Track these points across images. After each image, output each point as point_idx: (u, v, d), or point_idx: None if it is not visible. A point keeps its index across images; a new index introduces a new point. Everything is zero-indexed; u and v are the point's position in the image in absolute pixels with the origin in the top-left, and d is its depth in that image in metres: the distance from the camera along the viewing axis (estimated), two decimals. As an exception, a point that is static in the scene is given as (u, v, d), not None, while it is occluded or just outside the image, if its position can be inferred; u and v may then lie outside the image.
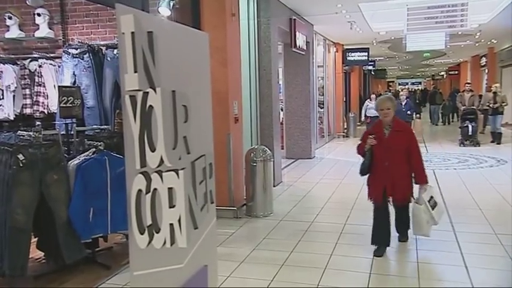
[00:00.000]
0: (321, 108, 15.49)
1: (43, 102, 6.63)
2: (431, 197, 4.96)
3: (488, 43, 20.59)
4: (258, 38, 8.21)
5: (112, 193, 4.56)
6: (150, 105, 1.78)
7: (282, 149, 11.01)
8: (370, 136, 4.75)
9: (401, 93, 13.86)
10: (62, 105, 4.67)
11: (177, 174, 1.92)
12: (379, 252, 4.90)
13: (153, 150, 1.79)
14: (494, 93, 14.17)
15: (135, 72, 1.72)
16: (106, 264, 4.71)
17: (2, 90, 6.71)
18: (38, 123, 6.35)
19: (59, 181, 4.35)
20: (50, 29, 6.91)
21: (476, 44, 20.26)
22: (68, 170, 4.47)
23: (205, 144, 2.31)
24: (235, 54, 6.49)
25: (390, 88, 43.75)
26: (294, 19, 9.96)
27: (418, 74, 46.12)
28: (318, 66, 14.53)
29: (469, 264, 4.57)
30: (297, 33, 10.04)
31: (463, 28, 13.54)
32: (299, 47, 10.22)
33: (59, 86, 5.25)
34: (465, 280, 4.21)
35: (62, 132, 5.09)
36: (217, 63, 6.20)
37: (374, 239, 4.97)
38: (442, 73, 41.23)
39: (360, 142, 5.03)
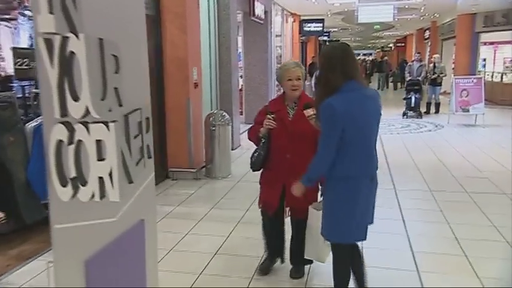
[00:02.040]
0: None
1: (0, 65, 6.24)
2: None
3: (432, 17, 20.85)
4: (218, 5, 7.89)
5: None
6: (72, 52, 1.56)
7: (241, 114, 10.84)
8: (269, 116, 3.14)
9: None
10: (17, 66, 4.32)
11: (107, 126, 1.71)
12: (263, 269, 3.51)
13: (75, 99, 1.59)
14: (434, 64, 13.28)
15: (51, 13, 1.50)
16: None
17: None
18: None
19: (15, 143, 4.09)
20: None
21: (421, 18, 20.46)
22: (26, 132, 4.20)
23: (141, 97, 2.09)
24: (194, 21, 6.22)
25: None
26: (253, -13, 9.66)
27: (369, 45, 46.33)
28: (276, 35, 14.27)
29: (406, 218, 4.65)
30: (256, 2, 9.76)
31: (410, 1, 13.62)
32: (257, 15, 9.95)
33: (13, 48, 4.86)
34: (402, 232, 4.28)
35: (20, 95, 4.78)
36: (177, 30, 5.95)
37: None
38: (391, 45, 41.61)
39: (252, 124, 3.46)
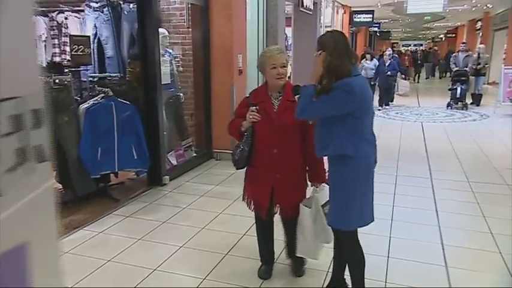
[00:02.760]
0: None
1: (69, 51, 6.33)
2: (328, 202, 2.57)
3: (484, 7, 19.16)
4: (267, -4, 7.57)
5: (118, 135, 4.28)
6: None
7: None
8: (252, 108, 2.61)
9: (385, 52, 12.04)
10: (73, 53, 4.30)
11: None
12: (262, 274, 2.98)
13: None
14: (478, 54, 12.00)
15: None
16: (115, 197, 4.50)
17: (36, 40, 6.40)
18: (66, 70, 6.12)
19: (69, 122, 4.08)
20: (76, -16, 6.47)
21: (473, 9, 18.90)
22: (79, 112, 4.18)
23: (21, 83, 1.18)
24: (240, 10, 5.96)
25: (394, 48, 41.73)
26: (303, -21, 9.22)
27: (420, 36, 43.89)
28: (326, 26, 13.70)
29: (440, 209, 4.21)
30: (305, -7, 9.33)
31: None
32: (306, 6, 9.53)
33: (70, 35, 4.86)
34: (434, 223, 3.87)
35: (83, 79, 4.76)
36: (223, 19, 5.72)
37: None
38: (441, 36, 39.09)
39: (233, 117, 2.88)
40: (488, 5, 18.43)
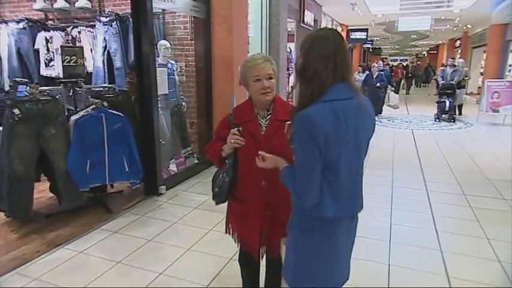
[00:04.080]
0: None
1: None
2: None
3: (464, 28, 18.05)
4: (269, 13, 6.68)
5: (109, 147, 3.45)
6: None
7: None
8: (235, 131, 1.74)
9: (374, 64, 10.30)
10: (65, 64, 3.48)
11: None
12: None
13: None
14: (454, 66, 10.34)
15: None
16: (109, 209, 3.68)
17: (53, 53, 5.65)
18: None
19: (56, 135, 3.25)
20: (88, 0, 5.68)
21: (454, 29, 17.81)
22: (68, 124, 3.36)
23: None
24: (241, 23, 5.10)
25: (384, 62, 40.35)
26: (303, -1, 8.29)
27: (406, 52, 42.30)
28: (325, 42, 12.70)
29: (439, 228, 3.31)
30: (306, 10, 8.40)
31: (447, 12, 11.50)
32: (307, 23, 8.60)
33: (60, 46, 4.06)
34: (435, 245, 2.97)
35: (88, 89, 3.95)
36: (223, 31, 4.86)
37: None
38: (424, 52, 37.65)
39: (212, 139, 1.93)
40: (468, 26, 17.39)
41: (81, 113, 3.39)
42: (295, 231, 1.45)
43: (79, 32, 5.64)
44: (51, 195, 3.74)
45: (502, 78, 13.46)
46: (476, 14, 13.20)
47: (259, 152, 1.54)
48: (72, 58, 3.50)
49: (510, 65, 16.70)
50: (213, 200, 1.90)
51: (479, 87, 14.90)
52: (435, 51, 30.85)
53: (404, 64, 24.13)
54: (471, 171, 5.18)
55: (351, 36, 16.05)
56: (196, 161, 5.03)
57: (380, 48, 31.47)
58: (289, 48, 8.19)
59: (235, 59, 4.94)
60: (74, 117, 3.37)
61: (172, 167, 4.70)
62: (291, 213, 1.48)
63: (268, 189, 1.72)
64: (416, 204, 3.88)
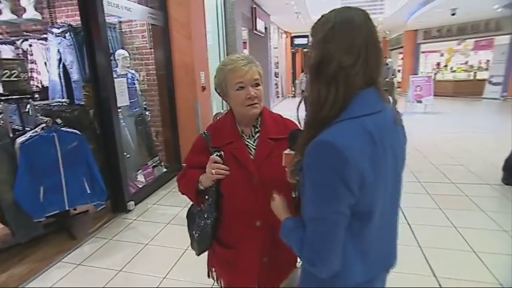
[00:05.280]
0: (277, 77, 13.43)
1: (36, 78, 4.53)
2: None
3: (383, 34, 18.58)
4: (225, 20, 6.02)
5: (65, 169, 2.65)
6: None
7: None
8: (216, 157, 1.09)
9: None
10: (4, 79, 2.60)
11: None
12: None
13: None
14: (386, 64, 10.31)
15: None
16: (72, 234, 2.89)
17: (1, 67, 4.55)
18: (36, 96, 4.42)
19: (-2, 161, 2.41)
20: (38, 11, 4.63)
21: (376, 34, 18.21)
22: (12, 148, 2.51)
23: None
24: (199, 29, 4.39)
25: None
26: (255, 7, 7.67)
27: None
28: (274, 47, 12.25)
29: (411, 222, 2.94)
30: (257, 19, 7.81)
31: (376, 16, 11.49)
32: (259, 30, 8.01)
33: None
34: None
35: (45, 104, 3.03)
36: (183, 38, 4.13)
37: None
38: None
39: (184, 168, 1.24)
40: (387, 32, 17.99)
41: (29, 134, 2.55)
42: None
43: (30, 45, 4.59)
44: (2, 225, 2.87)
45: (417, 74, 13.99)
46: (395, 22, 13.56)
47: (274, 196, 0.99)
48: (12, 72, 2.62)
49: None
50: (192, 248, 1.28)
51: (399, 83, 15.39)
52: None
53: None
54: (417, 158, 4.97)
55: (295, 42, 15.71)
56: (165, 170, 4.30)
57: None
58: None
59: (197, 65, 4.24)
60: (19, 140, 2.52)
61: (141, 178, 3.95)
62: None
63: (264, 231, 1.12)
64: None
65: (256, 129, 1.17)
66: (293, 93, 16.39)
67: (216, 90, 1.19)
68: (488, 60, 12.77)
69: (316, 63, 0.74)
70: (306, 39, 15.66)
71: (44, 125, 2.61)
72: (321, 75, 0.73)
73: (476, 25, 12.41)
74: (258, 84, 1.12)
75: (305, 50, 20.53)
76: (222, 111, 4.94)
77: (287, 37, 15.30)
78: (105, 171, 3.12)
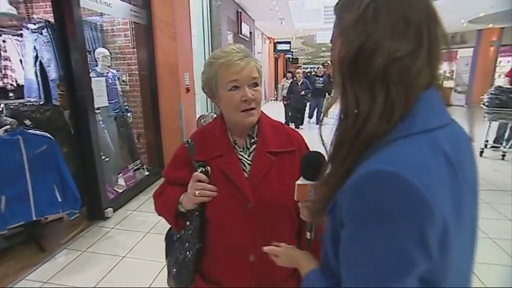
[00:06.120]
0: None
1: (11, 76, 4.05)
2: None
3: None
4: (211, 23, 5.71)
5: (32, 176, 2.27)
6: None
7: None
8: (199, 175, 0.81)
9: (298, 71, 7.55)
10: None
11: None
12: None
13: None
14: None
15: None
16: (42, 246, 2.50)
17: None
18: (10, 94, 4.01)
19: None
20: (13, 6, 4.16)
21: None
22: (-31, 152, 2.12)
23: None
24: (184, 29, 4.06)
25: (299, 69, 41.13)
26: (240, 11, 7.40)
27: (315, 61, 43.78)
28: (258, 52, 12.02)
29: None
30: (243, 23, 7.54)
31: None
32: (244, 34, 7.74)
33: None
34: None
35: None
36: (167, 37, 3.79)
37: None
38: (329, 62, 39.27)
39: (162, 184, 0.95)
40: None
41: (-12, 137, 2.16)
42: None
43: (4, 41, 4.12)
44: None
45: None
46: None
47: (267, 248, 0.70)
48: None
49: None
50: (168, 285, 0.98)
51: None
52: (338, 60, 32.23)
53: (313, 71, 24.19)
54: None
55: (277, 48, 15.56)
56: (147, 173, 3.95)
57: (297, 58, 31.91)
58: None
59: (181, 65, 3.92)
60: (-23, 143, 2.13)
61: (121, 182, 3.58)
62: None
63: (260, 268, 0.84)
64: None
65: (253, 140, 0.89)
66: (275, 96, 16.24)
67: (203, 89, 0.91)
68: (452, 71, 13.13)
69: (350, 57, 0.48)
70: (289, 45, 15.59)
71: (8, 126, 2.22)
72: (359, 74, 0.47)
73: (444, 37, 12.63)
74: (256, 85, 0.85)
75: (286, 55, 20.51)
76: (206, 113, 4.63)
77: (270, 43, 15.13)
78: (80, 176, 2.75)
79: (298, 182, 0.68)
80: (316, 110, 7.62)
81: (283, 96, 7.49)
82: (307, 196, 0.65)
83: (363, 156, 0.43)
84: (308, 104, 7.45)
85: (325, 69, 26.89)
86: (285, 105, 7.39)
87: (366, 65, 0.46)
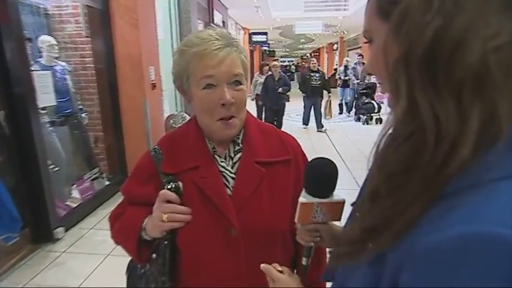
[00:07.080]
0: (235, 76, 13.03)
1: None
2: None
3: (341, 33, 19.08)
4: (179, 9, 5.44)
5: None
6: None
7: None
8: (169, 192, 0.64)
9: (274, 63, 6.48)
10: None
11: None
12: None
13: None
14: (346, 66, 8.75)
15: None
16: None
17: None
18: None
19: None
20: None
21: (334, 34, 18.62)
22: None
23: None
24: (148, 16, 3.78)
25: (275, 61, 41.13)
26: (212, -2, 7.17)
27: (293, 54, 44.17)
28: (232, 44, 11.81)
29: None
30: (215, 10, 7.30)
31: (345, 12, 11.55)
32: (216, 23, 7.51)
33: None
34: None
35: None
36: (127, 25, 3.50)
37: None
38: (308, 54, 39.76)
39: (120, 205, 0.80)
40: (344, 31, 18.45)
41: None
42: None
43: None
44: None
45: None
46: (354, 22, 13.80)
47: (264, 267, 0.57)
48: None
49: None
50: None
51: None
52: (317, 53, 32.63)
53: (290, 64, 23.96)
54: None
55: (253, 39, 15.42)
56: (107, 183, 3.64)
57: (274, 50, 32.00)
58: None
59: (145, 58, 3.64)
60: None
61: (76, 195, 3.26)
62: None
63: None
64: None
65: (237, 147, 0.72)
66: (251, 95, 16.01)
67: (174, 83, 0.74)
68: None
69: (421, 51, 0.32)
70: (265, 36, 15.48)
71: None
72: (437, 77, 0.31)
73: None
74: (239, 83, 0.69)
75: (262, 47, 20.37)
76: (176, 112, 4.38)
77: (245, 33, 14.94)
78: (20, 191, 2.43)
79: (302, 199, 0.54)
80: (314, 112, 6.76)
81: (257, 94, 6.43)
82: (312, 218, 0.54)
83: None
84: (302, 105, 6.80)
85: (303, 63, 26.85)
86: (258, 105, 6.35)
87: (447, 62, 0.31)
